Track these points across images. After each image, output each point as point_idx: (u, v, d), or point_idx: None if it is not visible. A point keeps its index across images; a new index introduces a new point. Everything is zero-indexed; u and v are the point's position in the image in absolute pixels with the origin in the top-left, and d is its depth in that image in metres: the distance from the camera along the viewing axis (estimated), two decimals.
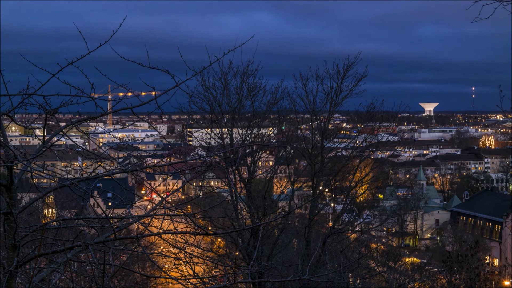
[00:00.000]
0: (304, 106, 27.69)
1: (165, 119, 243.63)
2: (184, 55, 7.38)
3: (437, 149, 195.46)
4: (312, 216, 26.92)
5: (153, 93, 6.98)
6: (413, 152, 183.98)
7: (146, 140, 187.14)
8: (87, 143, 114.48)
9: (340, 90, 26.94)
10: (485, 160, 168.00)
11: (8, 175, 6.45)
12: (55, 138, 7.05)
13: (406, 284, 28.96)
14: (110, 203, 7.38)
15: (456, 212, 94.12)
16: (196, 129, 30.65)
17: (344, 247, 28.01)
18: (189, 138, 49.02)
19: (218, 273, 23.26)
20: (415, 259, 71.97)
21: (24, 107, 6.91)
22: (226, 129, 25.24)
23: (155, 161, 7.81)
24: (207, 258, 21.67)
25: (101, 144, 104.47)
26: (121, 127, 14.97)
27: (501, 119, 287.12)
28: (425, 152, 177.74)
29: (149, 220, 7.16)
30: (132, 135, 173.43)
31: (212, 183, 34.91)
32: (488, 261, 74.51)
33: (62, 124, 7.23)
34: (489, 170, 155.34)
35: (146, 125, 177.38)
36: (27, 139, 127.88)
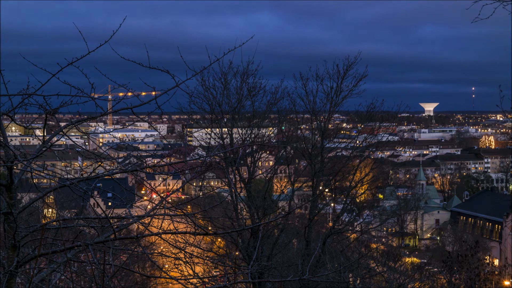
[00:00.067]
0: (304, 106, 27.72)
1: (165, 119, 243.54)
2: (185, 56, 7.38)
3: (437, 149, 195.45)
4: (312, 216, 26.92)
5: (153, 93, 6.98)
6: (413, 152, 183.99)
7: (146, 140, 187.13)
8: (87, 143, 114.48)
9: (340, 90, 26.95)
10: (485, 160, 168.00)
11: (8, 175, 6.45)
12: (55, 138, 7.05)
13: (406, 284, 28.95)
14: (110, 203, 7.38)
15: (456, 212, 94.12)
16: (196, 129, 30.66)
17: (344, 247, 28.00)
18: (189, 138, 49.02)
19: (218, 273, 23.26)
20: (415, 259, 71.97)
21: (24, 107, 6.92)
22: (226, 129, 25.24)
23: (155, 161, 7.81)
24: (207, 258, 21.68)
25: (101, 144, 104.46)
26: (121, 127, 14.98)
27: (501, 119, 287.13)
28: (425, 152, 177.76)
29: (149, 220, 7.16)
30: (132, 135, 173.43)
31: (212, 183, 34.91)
32: (488, 261, 74.50)
33: (62, 124, 7.23)
34: (489, 170, 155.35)
35: (146, 125, 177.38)
36: (27, 139, 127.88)
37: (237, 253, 23.94)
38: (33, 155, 6.75)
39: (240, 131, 25.54)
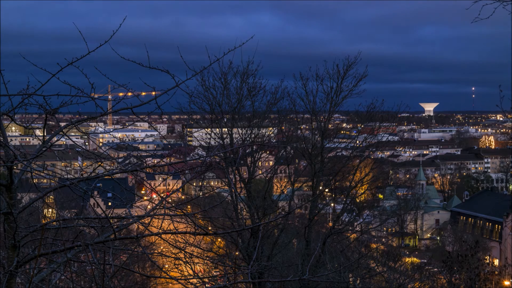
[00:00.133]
0: (304, 106, 27.71)
1: (165, 119, 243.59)
2: (185, 56, 7.38)
3: (437, 149, 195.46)
4: (312, 216, 26.92)
5: (153, 93, 6.98)
6: (413, 152, 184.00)
7: (146, 140, 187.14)
8: (87, 143, 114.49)
9: (340, 90, 26.95)
10: (485, 160, 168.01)
11: (8, 175, 6.45)
12: (55, 138, 7.05)
13: (406, 284, 28.95)
14: (110, 203, 7.38)
15: (456, 212, 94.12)
16: (196, 129, 30.66)
17: (344, 247, 28.00)
18: (189, 138, 49.02)
19: (218, 273, 23.27)
20: (415, 259, 71.98)
21: (24, 107, 6.92)
22: (226, 129, 25.23)
23: (155, 161, 7.81)
24: (207, 258, 21.68)
25: (101, 144, 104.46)
26: (121, 127, 14.98)
27: (501, 119, 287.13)
28: (425, 152, 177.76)
29: (149, 220, 7.16)
30: (132, 135, 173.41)
31: (212, 183, 34.91)
32: (488, 261, 74.49)
33: (62, 124, 7.23)
34: (489, 170, 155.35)
35: (146, 125, 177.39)
36: (27, 139, 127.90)
37: (237, 253, 23.94)
38: (33, 155, 6.75)
39: (240, 131, 25.54)
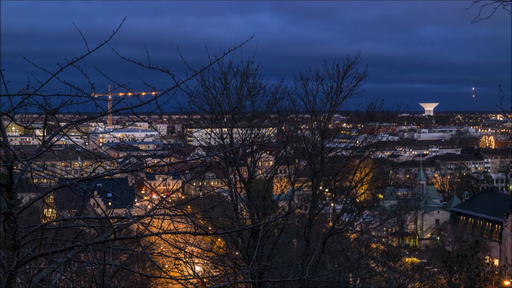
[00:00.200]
0: (304, 106, 27.72)
1: (165, 119, 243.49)
2: (185, 56, 7.38)
3: (437, 149, 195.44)
4: (312, 216, 26.92)
5: (153, 93, 6.98)
6: (413, 152, 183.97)
7: (146, 140, 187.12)
8: (87, 143, 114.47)
9: (340, 90, 26.96)
10: (485, 160, 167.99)
11: (8, 175, 6.45)
12: (55, 138, 7.04)
13: (406, 284, 28.95)
14: (110, 203, 7.38)
15: (456, 212, 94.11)
16: (196, 129, 30.66)
17: (344, 247, 28.00)
18: (189, 138, 49.02)
19: (218, 273, 23.28)
20: (415, 259, 71.97)
21: (24, 107, 6.92)
22: (226, 129, 25.24)
23: (155, 161, 7.81)
24: (207, 258, 21.69)
25: (101, 144, 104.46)
26: (121, 127, 14.99)
27: (501, 119, 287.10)
28: (425, 152, 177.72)
29: (149, 220, 7.16)
30: (132, 135, 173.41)
31: (212, 183, 34.92)
32: (488, 261, 74.49)
33: (62, 124, 7.23)
34: (489, 170, 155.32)
35: (146, 125, 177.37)
36: (27, 139, 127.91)
37: (237, 253, 23.94)
38: (33, 155, 6.75)
39: (240, 131, 25.54)
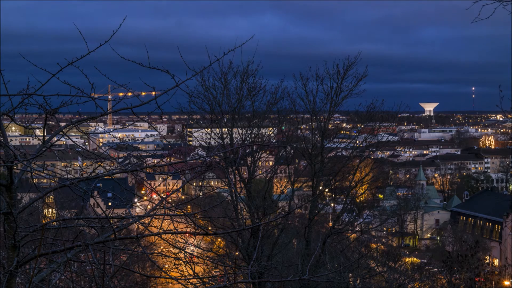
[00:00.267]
0: (304, 106, 27.72)
1: (165, 119, 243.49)
2: (185, 56, 7.38)
3: (437, 149, 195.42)
4: (312, 216, 26.91)
5: (153, 93, 6.98)
6: (413, 152, 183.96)
7: (146, 140, 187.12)
8: (87, 143, 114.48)
9: (340, 90, 26.96)
10: (485, 160, 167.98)
11: (8, 175, 6.45)
12: (55, 138, 7.04)
13: (406, 284, 28.95)
14: (110, 203, 7.38)
15: (456, 212, 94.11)
16: (196, 129, 30.66)
17: (344, 247, 28.00)
18: (189, 138, 49.02)
19: (218, 273, 23.26)
20: (415, 259, 71.97)
21: (24, 107, 6.92)
22: (226, 129, 25.24)
23: (155, 161, 7.81)
24: (207, 258, 21.66)
25: (101, 144, 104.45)
26: (121, 127, 14.99)
27: (501, 119, 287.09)
28: (425, 152, 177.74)
29: (149, 220, 7.16)
30: (132, 135, 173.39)
31: (212, 183, 34.92)
32: (488, 261, 74.47)
33: (62, 124, 7.23)
34: (489, 170, 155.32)
35: (146, 125, 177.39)
36: (27, 139, 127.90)
37: (237, 253, 23.94)
38: (33, 155, 6.75)
39: (240, 131, 25.54)
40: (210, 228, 21.49)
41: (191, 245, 17.93)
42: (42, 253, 6.40)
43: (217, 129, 24.95)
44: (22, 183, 7.24)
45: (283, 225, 26.32)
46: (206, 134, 25.64)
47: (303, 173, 30.85)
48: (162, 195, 7.39)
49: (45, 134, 7.08)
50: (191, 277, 12.50)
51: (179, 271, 18.32)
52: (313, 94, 27.17)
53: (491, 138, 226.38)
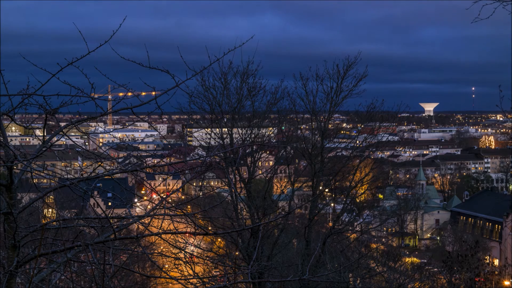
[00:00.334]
0: (304, 106, 27.72)
1: (165, 119, 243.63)
2: (185, 56, 7.38)
3: (437, 149, 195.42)
4: (312, 216, 26.91)
5: (153, 93, 6.98)
6: (413, 152, 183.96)
7: (146, 140, 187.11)
8: (87, 143, 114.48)
9: (340, 90, 26.95)
10: (485, 160, 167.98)
11: (8, 175, 6.44)
12: (55, 138, 7.04)
13: (406, 284, 28.95)
14: (110, 203, 7.38)
15: (456, 212, 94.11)
16: (196, 129, 30.66)
17: (344, 247, 28.00)
18: (189, 138, 49.03)
19: (218, 273, 23.25)
20: (415, 259, 71.97)
21: (24, 107, 6.91)
22: (226, 129, 25.24)
23: (155, 161, 7.81)
24: (207, 258, 21.66)
25: (101, 144, 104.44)
26: (121, 127, 14.99)
27: (501, 119, 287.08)
28: (425, 152, 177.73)
29: (149, 220, 7.16)
30: (132, 135, 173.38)
31: (212, 183, 34.92)
32: (488, 261, 74.47)
33: (62, 124, 7.23)
34: (489, 170, 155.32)
35: (146, 125, 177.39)
36: (27, 139, 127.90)
37: (237, 253, 23.94)
38: (33, 155, 6.75)
39: (240, 131, 25.54)
40: (210, 228, 21.48)
41: (191, 245, 17.93)
42: (42, 253, 6.40)
43: (217, 129, 24.95)
44: (22, 183, 7.24)
45: (283, 225, 26.32)
46: (206, 134, 25.64)
47: (303, 173, 30.85)
48: (162, 195, 7.39)
49: (45, 134, 7.08)
50: (191, 277, 12.49)
51: (179, 271, 18.32)
52: (313, 94, 27.20)
53: (491, 138, 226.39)
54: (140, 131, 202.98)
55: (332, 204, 35.22)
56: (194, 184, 23.51)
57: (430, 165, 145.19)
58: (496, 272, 52.95)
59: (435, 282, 36.30)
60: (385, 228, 67.17)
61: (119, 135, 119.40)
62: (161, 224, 6.87)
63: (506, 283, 54.54)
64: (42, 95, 6.79)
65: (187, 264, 17.17)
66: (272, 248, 24.25)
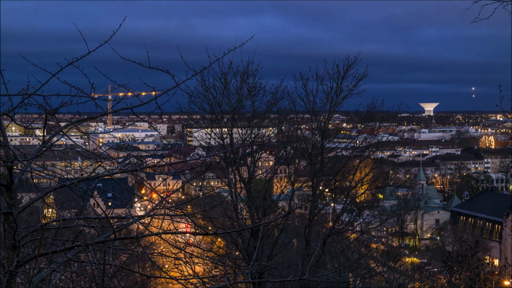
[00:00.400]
0: (304, 106, 27.71)
1: (165, 119, 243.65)
2: (186, 56, 7.38)
3: (437, 149, 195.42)
4: (312, 216, 26.91)
5: (153, 93, 6.98)
6: (413, 152, 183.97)
7: (146, 140, 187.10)
8: (87, 143, 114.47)
9: (340, 90, 26.95)
10: (485, 160, 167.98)
11: (8, 175, 6.44)
12: (55, 138, 7.04)
13: (406, 284, 28.95)
14: (110, 203, 7.38)
15: (456, 212, 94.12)
16: (196, 129, 30.66)
17: (344, 247, 27.99)
18: (189, 138, 49.03)
19: (218, 273, 23.26)
20: (415, 259, 71.99)
21: (24, 107, 6.92)
22: (226, 129, 25.24)
23: (155, 161, 7.81)
24: (207, 258, 21.67)
25: (101, 144, 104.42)
26: (121, 127, 15.00)
27: (501, 119, 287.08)
28: (425, 152, 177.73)
29: (149, 220, 7.16)
30: (132, 135, 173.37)
31: (212, 183, 34.93)
32: (488, 261, 74.48)
33: (62, 124, 7.23)
34: (489, 170, 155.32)
35: (146, 125, 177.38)
36: (27, 139, 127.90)
37: (237, 253, 23.94)
38: (33, 155, 6.75)
39: (240, 131, 25.54)
40: (210, 228, 21.48)
41: (191, 245, 17.94)
42: (42, 253, 6.40)
43: (217, 129, 24.95)
44: (22, 183, 7.24)
45: (283, 225, 26.32)
46: (206, 134, 25.64)
47: (303, 173, 30.85)
48: (162, 195, 7.39)
49: (45, 134, 7.08)
50: (191, 277, 12.51)
51: (179, 271, 18.34)
52: (313, 94, 27.19)
53: (491, 138, 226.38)
54: (140, 131, 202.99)
55: (332, 204, 35.22)
56: (194, 184, 23.51)
57: (430, 165, 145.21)
58: (496, 272, 52.95)
59: (435, 282, 36.29)
60: (385, 228, 67.14)
61: (119, 135, 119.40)
62: (161, 224, 6.87)
63: (506, 283, 54.55)
64: (42, 95, 6.80)
65: (187, 264, 17.19)
66: (272, 248, 24.25)
